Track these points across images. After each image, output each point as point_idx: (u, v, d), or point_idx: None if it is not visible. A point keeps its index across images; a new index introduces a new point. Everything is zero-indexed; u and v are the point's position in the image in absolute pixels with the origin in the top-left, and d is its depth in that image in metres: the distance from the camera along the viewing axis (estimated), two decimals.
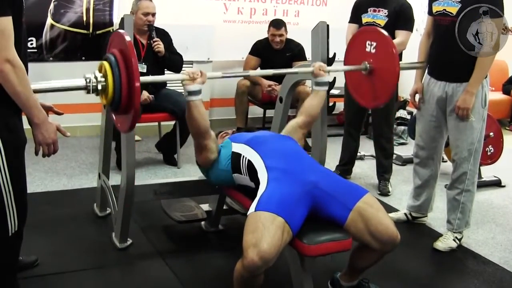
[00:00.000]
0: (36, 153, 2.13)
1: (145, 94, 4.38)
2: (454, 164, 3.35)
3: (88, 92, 2.30)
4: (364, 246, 2.48)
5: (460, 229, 3.40)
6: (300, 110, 2.99)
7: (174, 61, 4.61)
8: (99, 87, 2.29)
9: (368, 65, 3.03)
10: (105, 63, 2.29)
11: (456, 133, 3.28)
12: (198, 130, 2.61)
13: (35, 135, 2.07)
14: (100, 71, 2.32)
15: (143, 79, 2.33)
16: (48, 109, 2.24)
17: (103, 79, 2.29)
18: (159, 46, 4.40)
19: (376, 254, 2.51)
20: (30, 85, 1.97)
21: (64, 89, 2.33)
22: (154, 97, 4.45)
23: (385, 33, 3.04)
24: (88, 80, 2.28)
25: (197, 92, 2.55)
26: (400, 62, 3.00)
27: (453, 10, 3.14)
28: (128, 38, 2.30)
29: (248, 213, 2.32)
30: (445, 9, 3.19)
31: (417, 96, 3.48)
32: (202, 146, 2.67)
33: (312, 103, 2.94)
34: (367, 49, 3.04)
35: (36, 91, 2.11)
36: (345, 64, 3.22)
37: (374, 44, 3.01)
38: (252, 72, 2.63)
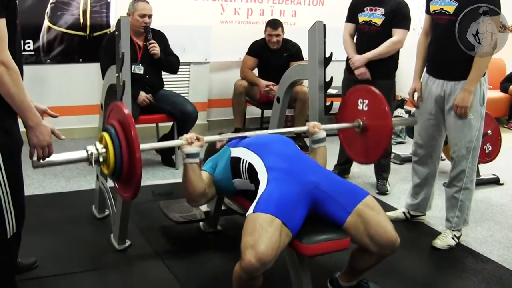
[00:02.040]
0: (31, 156, 2.13)
1: (142, 95, 4.38)
2: (453, 162, 3.35)
3: (90, 164, 2.34)
4: (363, 248, 2.48)
5: (458, 227, 3.40)
6: None
7: (170, 62, 4.62)
8: (101, 159, 2.32)
9: (361, 123, 3.04)
10: (105, 135, 2.33)
11: (454, 131, 3.28)
12: (193, 193, 2.54)
13: (29, 137, 2.06)
14: (100, 142, 2.36)
15: (142, 146, 2.35)
16: (43, 112, 2.24)
17: (104, 151, 2.32)
18: (155, 48, 4.40)
19: (375, 257, 2.51)
20: (24, 88, 1.97)
21: (66, 162, 2.35)
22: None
23: (377, 91, 3.04)
24: (90, 153, 2.31)
25: (195, 155, 2.52)
26: (393, 119, 3.01)
27: (450, 9, 3.15)
28: (126, 110, 2.32)
29: (247, 214, 2.31)
30: (442, 8, 3.19)
31: (416, 95, 3.48)
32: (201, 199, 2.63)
33: (317, 162, 2.82)
34: (360, 107, 3.06)
35: (39, 166, 2.16)
36: (339, 121, 3.20)
37: (366, 101, 3.03)
38: (249, 133, 2.68)
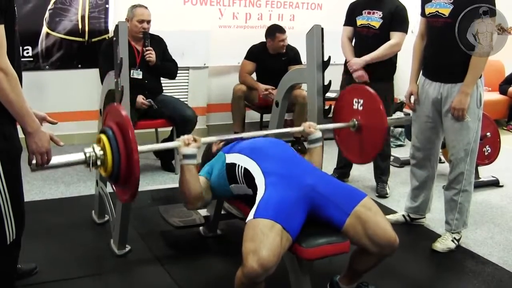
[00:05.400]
0: (30, 163, 2.12)
1: (140, 99, 4.38)
2: (451, 165, 3.36)
3: (88, 167, 2.33)
4: (363, 250, 2.48)
5: (458, 229, 3.40)
6: None
7: (167, 68, 4.63)
8: (98, 161, 2.32)
9: (356, 122, 3.05)
10: (103, 137, 2.32)
11: (452, 133, 3.28)
12: (189, 195, 2.52)
13: (28, 144, 2.06)
14: (98, 144, 2.35)
15: (140, 148, 2.34)
16: (42, 119, 2.24)
17: (101, 153, 2.31)
18: (151, 55, 4.40)
19: (375, 258, 2.51)
20: (23, 94, 1.97)
21: (64, 165, 2.34)
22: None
23: (371, 90, 3.05)
24: (87, 155, 2.31)
25: (192, 156, 2.51)
26: (388, 118, 3.02)
27: (446, 11, 3.15)
28: (124, 112, 2.32)
29: (247, 220, 2.31)
30: (437, 11, 3.20)
31: (413, 98, 3.48)
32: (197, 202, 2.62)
33: (314, 161, 2.86)
34: (355, 107, 3.07)
35: (37, 170, 2.14)
36: (334, 121, 3.20)
37: (361, 101, 3.04)
38: (245, 135, 2.70)
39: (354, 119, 3.05)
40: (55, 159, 2.21)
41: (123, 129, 2.28)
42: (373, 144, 3.03)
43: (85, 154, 2.31)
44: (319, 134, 2.91)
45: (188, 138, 2.54)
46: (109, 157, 2.29)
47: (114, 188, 2.50)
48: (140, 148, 2.34)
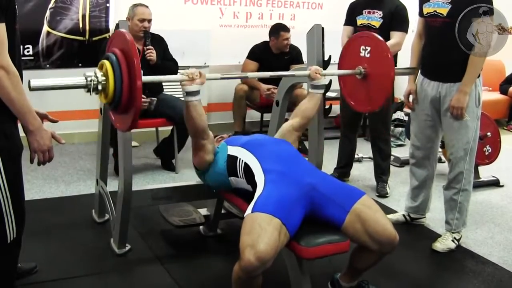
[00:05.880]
0: (31, 161, 2.12)
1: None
2: (450, 164, 3.36)
3: (88, 91, 2.27)
4: (363, 247, 2.48)
5: (458, 229, 3.40)
6: (295, 112, 3.00)
7: (168, 68, 4.61)
8: (99, 87, 2.26)
9: (362, 70, 3.04)
10: (106, 62, 2.27)
11: (451, 133, 3.29)
12: (196, 130, 2.61)
13: (30, 142, 2.06)
14: (100, 70, 2.29)
15: (144, 78, 2.29)
16: (43, 117, 2.23)
17: (103, 78, 2.26)
18: (151, 54, 4.40)
19: (375, 256, 2.51)
20: (24, 92, 1.97)
21: (64, 87, 2.31)
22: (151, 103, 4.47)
23: (380, 37, 3.04)
24: (89, 80, 2.25)
25: (196, 93, 2.53)
26: (395, 67, 3.00)
27: (444, 11, 3.15)
28: (129, 36, 2.28)
29: (245, 214, 2.31)
30: (435, 11, 3.20)
31: (411, 97, 3.49)
32: (199, 146, 2.67)
33: (308, 106, 2.96)
34: (362, 54, 3.05)
35: (35, 88, 2.11)
36: (339, 69, 3.21)
37: (369, 48, 3.02)
38: (250, 74, 2.71)
39: (360, 67, 3.04)
40: (54, 81, 2.17)
41: (128, 55, 2.22)
42: (379, 91, 3.01)
43: (86, 78, 2.25)
44: (324, 81, 2.94)
45: (192, 72, 2.53)
46: (111, 83, 2.23)
47: (112, 116, 2.46)
48: (144, 78, 2.27)
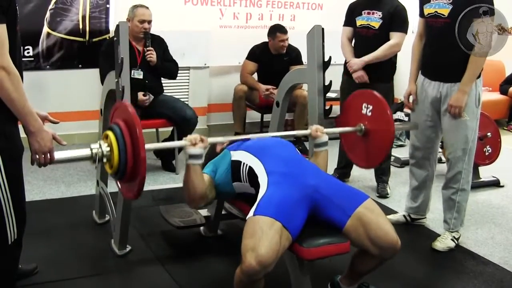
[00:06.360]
0: (32, 163, 2.11)
1: (140, 96, 4.38)
2: (449, 164, 3.36)
3: (94, 163, 2.31)
4: (365, 251, 2.48)
5: (456, 228, 3.41)
6: None
7: (167, 68, 4.63)
8: (104, 158, 2.29)
9: (363, 127, 3.02)
10: (110, 133, 2.30)
11: (450, 132, 3.29)
12: (194, 195, 2.51)
13: (31, 143, 2.05)
14: (105, 140, 2.33)
15: (147, 146, 2.31)
16: (43, 118, 2.23)
17: (108, 149, 2.29)
18: (152, 56, 4.40)
19: (376, 260, 2.50)
20: (25, 93, 1.97)
21: (70, 160, 2.32)
22: (152, 104, 4.47)
23: (381, 96, 2.99)
24: (94, 152, 2.28)
25: (198, 157, 2.48)
26: (395, 124, 2.99)
27: (445, 11, 3.15)
28: (131, 109, 2.29)
29: (247, 217, 2.31)
30: (436, 11, 3.20)
31: (411, 98, 3.49)
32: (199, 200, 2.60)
33: (318, 165, 2.82)
34: (363, 111, 3.03)
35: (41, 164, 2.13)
36: (340, 125, 3.16)
37: (371, 107, 3.01)
38: (251, 136, 2.72)
39: (361, 124, 3.03)
40: (60, 154, 2.19)
41: (131, 126, 2.24)
42: (379, 149, 2.99)
43: (91, 150, 2.28)
44: (325, 138, 2.86)
45: (195, 138, 2.51)
46: (116, 154, 2.26)
47: (118, 185, 2.49)
48: (147, 146, 2.30)
